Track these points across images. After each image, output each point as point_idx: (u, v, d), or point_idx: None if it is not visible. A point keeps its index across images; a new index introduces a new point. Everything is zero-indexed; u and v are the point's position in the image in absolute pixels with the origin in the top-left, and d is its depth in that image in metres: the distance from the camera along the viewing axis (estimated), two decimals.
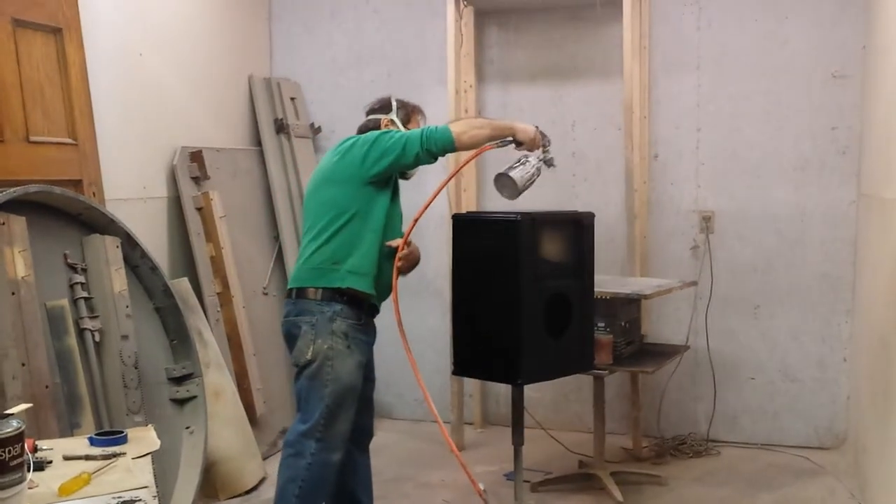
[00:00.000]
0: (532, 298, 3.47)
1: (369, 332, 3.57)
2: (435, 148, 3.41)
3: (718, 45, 5.07)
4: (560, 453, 4.93)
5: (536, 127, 3.58)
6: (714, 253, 5.13)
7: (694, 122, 5.15)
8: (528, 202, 3.74)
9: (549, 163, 3.63)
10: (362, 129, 3.72)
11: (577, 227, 3.74)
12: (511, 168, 3.57)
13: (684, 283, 4.75)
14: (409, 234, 3.52)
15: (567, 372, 3.90)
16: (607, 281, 4.57)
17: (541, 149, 3.61)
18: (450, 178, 3.88)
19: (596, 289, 3.88)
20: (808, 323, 5.04)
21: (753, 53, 5.02)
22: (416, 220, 3.51)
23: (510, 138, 3.53)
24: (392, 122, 3.69)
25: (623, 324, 4.45)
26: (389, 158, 3.42)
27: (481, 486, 3.70)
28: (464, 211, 4.89)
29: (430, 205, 3.52)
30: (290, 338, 3.51)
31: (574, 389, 5.36)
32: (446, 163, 4.65)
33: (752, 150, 5.06)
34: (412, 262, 3.64)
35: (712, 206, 5.14)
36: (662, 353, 4.71)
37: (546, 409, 5.38)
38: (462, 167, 3.97)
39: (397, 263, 3.52)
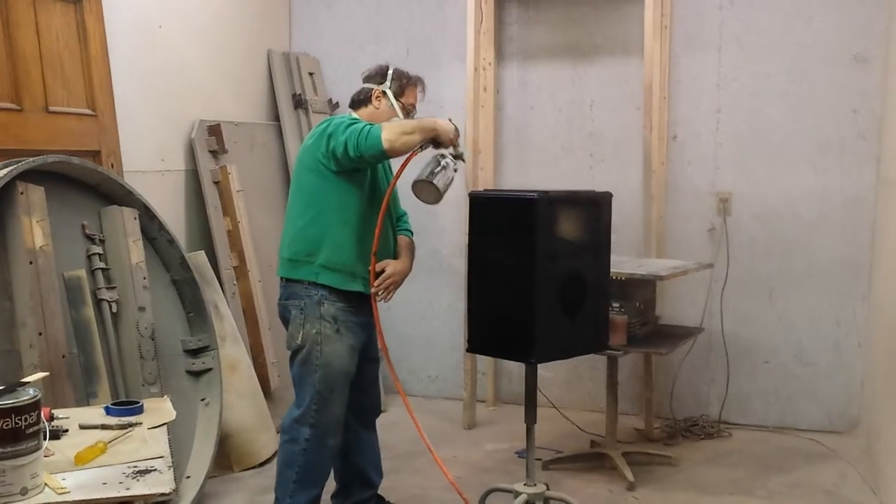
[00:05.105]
0: (547, 277, 3.46)
1: (362, 314, 3.50)
2: (366, 154, 3.25)
3: (740, 25, 5.02)
4: (572, 432, 4.94)
5: (450, 120, 3.45)
6: (731, 235, 5.10)
7: (714, 103, 5.11)
8: (543, 182, 3.70)
9: (460, 157, 3.48)
10: (353, 100, 3.65)
11: (595, 207, 3.72)
12: (433, 175, 3.40)
13: (700, 264, 4.73)
14: (374, 267, 3.45)
15: (581, 352, 3.89)
16: (623, 261, 4.56)
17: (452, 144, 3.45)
18: (390, 188, 3.52)
19: (611, 269, 3.87)
20: (824, 307, 5.01)
21: (775, 34, 4.96)
22: (376, 242, 3.43)
23: (430, 139, 3.37)
24: (384, 93, 3.58)
25: (638, 304, 4.45)
26: (338, 154, 3.31)
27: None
28: (480, 189, 4.87)
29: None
30: (285, 321, 3.51)
31: (587, 369, 5.36)
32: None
33: (771, 132, 5.02)
34: (396, 283, 3.53)
35: (730, 188, 5.11)
36: (676, 334, 4.71)
37: (559, 388, 5.38)
38: (399, 176, 3.49)
39: (373, 300, 3.47)
